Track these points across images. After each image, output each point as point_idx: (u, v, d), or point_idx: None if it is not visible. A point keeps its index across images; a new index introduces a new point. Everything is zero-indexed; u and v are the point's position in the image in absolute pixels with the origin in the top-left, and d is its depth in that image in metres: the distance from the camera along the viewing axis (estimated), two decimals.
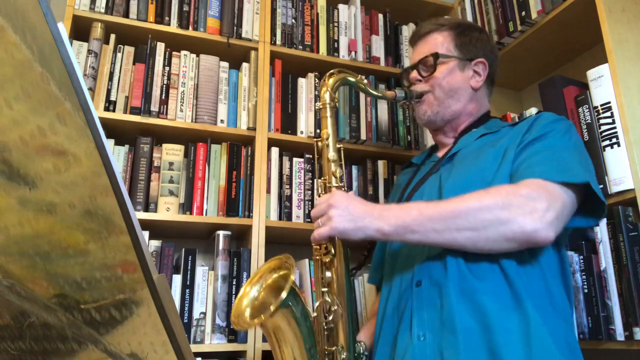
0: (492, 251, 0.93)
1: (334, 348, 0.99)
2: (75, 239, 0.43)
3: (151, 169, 1.59)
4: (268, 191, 1.67)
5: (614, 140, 1.28)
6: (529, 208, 0.88)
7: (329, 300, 1.00)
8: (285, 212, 1.68)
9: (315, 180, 1.74)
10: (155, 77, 1.64)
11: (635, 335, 1.18)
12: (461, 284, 0.94)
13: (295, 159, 1.74)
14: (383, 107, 1.88)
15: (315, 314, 1.00)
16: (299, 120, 1.78)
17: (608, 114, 1.30)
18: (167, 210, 1.56)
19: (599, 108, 1.32)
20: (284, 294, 0.87)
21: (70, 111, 0.38)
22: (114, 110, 1.58)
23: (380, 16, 2.00)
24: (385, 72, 1.94)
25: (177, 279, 1.50)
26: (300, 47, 1.83)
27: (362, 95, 1.85)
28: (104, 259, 0.42)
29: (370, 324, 1.20)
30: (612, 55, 1.32)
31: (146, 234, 1.53)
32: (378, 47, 1.95)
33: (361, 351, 1.06)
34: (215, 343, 1.47)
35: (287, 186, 1.71)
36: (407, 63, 1.99)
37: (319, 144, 1.13)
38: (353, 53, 1.88)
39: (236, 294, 1.50)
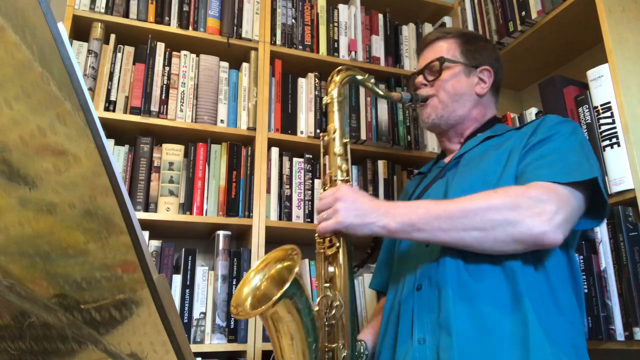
0: (499, 252, 0.92)
1: (334, 345, 0.97)
2: (75, 239, 0.43)
3: (151, 169, 1.59)
4: (268, 191, 1.67)
5: (614, 140, 1.28)
6: (538, 210, 0.88)
7: (331, 296, 0.99)
8: (285, 212, 1.68)
9: (315, 180, 1.75)
10: (155, 77, 1.64)
11: (635, 335, 1.18)
12: (459, 287, 0.94)
13: (295, 159, 1.74)
14: (383, 107, 1.88)
15: (317, 308, 0.98)
16: (299, 120, 1.78)
17: (608, 114, 1.30)
18: (167, 210, 1.56)
19: (599, 108, 1.32)
20: (287, 284, 0.84)
21: (70, 111, 0.38)
22: (114, 110, 1.58)
23: (380, 16, 2.00)
24: (385, 72, 1.93)
25: (177, 279, 1.50)
26: (300, 47, 1.83)
27: (362, 95, 1.85)
28: (104, 259, 0.42)
29: (371, 326, 1.20)
30: (612, 55, 1.32)
31: (146, 234, 1.53)
32: (378, 47, 1.95)
33: (362, 350, 1.05)
34: (215, 343, 1.47)
35: (287, 186, 1.71)
36: (407, 63, 1.99)
37: (325, 138, 1.12)
38: (353, 53, 1.88)
39: None
